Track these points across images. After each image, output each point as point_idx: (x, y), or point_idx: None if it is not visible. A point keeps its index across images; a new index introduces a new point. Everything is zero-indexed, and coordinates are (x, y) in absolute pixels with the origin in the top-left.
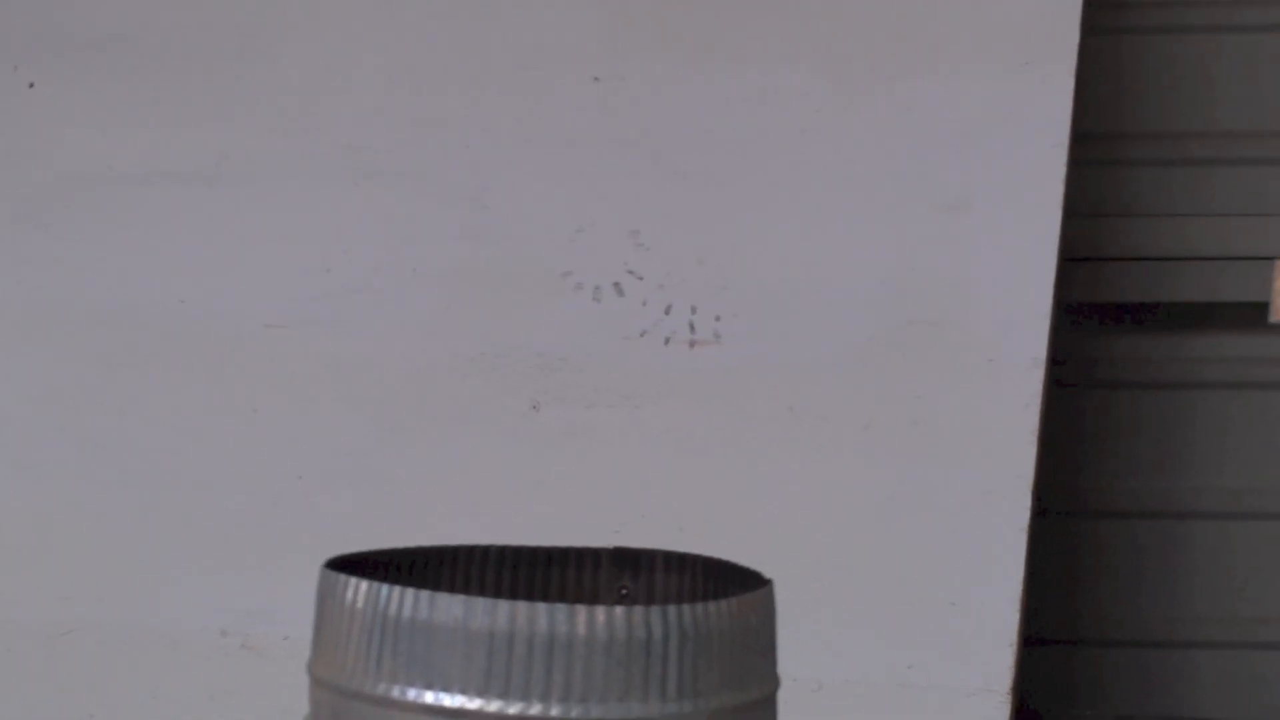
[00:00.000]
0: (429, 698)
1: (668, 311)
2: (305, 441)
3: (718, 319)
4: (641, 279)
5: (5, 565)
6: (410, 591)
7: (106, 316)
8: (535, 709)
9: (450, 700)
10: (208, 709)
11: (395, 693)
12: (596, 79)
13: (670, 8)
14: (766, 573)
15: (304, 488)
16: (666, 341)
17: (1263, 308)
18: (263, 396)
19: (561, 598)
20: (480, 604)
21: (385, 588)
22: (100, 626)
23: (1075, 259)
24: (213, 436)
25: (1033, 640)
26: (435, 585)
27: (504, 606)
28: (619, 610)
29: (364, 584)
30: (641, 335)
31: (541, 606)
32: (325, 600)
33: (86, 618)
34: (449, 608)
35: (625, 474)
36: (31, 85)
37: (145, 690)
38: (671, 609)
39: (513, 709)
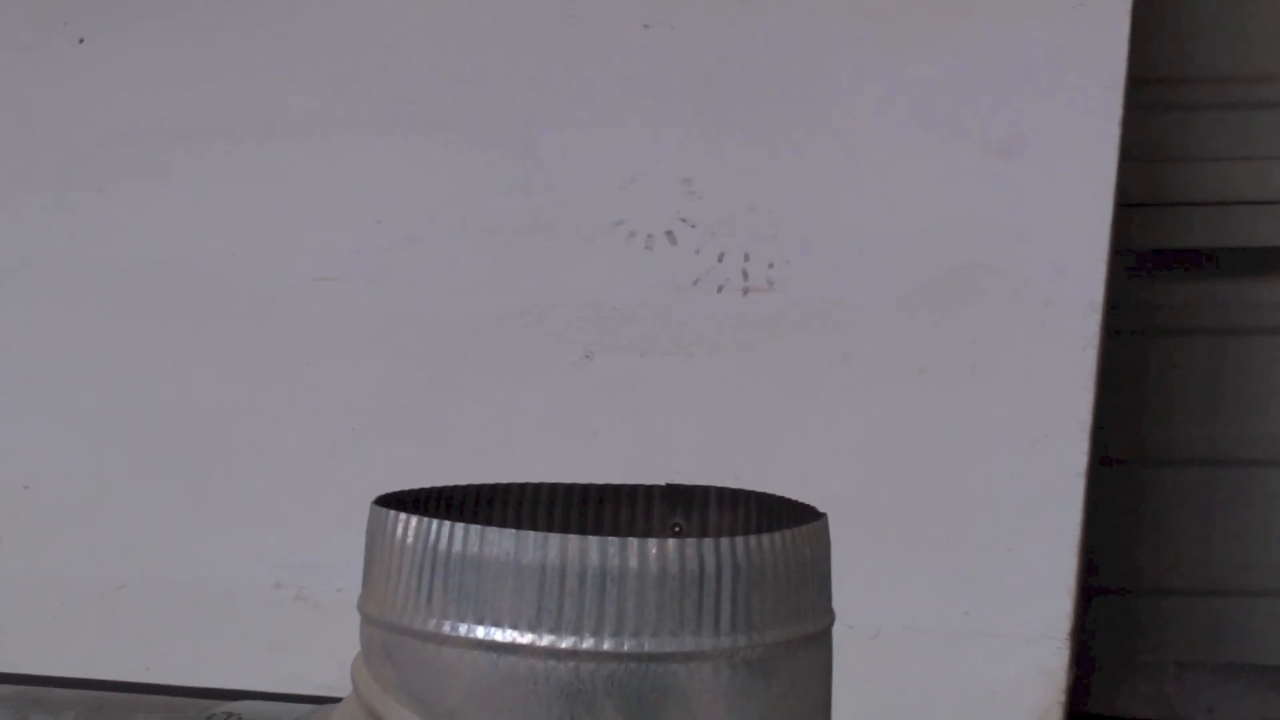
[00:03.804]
0: (480, 632)
1: (720, 259)
2: (357, 394)
3: (771, 266)
4: (694, 227)
5: (59, 522)
6: (460, 526)
7: (157, 272)
8: (587, 643)
9: (501, 635)
10: (262, 661)
11: (446, 628)
12: (646, 26)
13: None
14: None
15: (356, 440)
16: (719, 289)
17: None
18: (314, 349)
19: (614, 534)
20: (531, 538)
21: (435, 523)
22: (154, 581)
23: (1134, 204)
24: (264, 390)
25: (1093, 589)
26: (486, 522)
27: (555, 540)
28: (671, 543)
29: (413, 519)
30: (694, 283)
31: (593, 540)
32: (375, 537)
33: (140, 573)
34: (499, 542)
35: (679, 422)
36: (81, 40)
37: (199, 643)
38: (724, 541)
39: (564, 643)
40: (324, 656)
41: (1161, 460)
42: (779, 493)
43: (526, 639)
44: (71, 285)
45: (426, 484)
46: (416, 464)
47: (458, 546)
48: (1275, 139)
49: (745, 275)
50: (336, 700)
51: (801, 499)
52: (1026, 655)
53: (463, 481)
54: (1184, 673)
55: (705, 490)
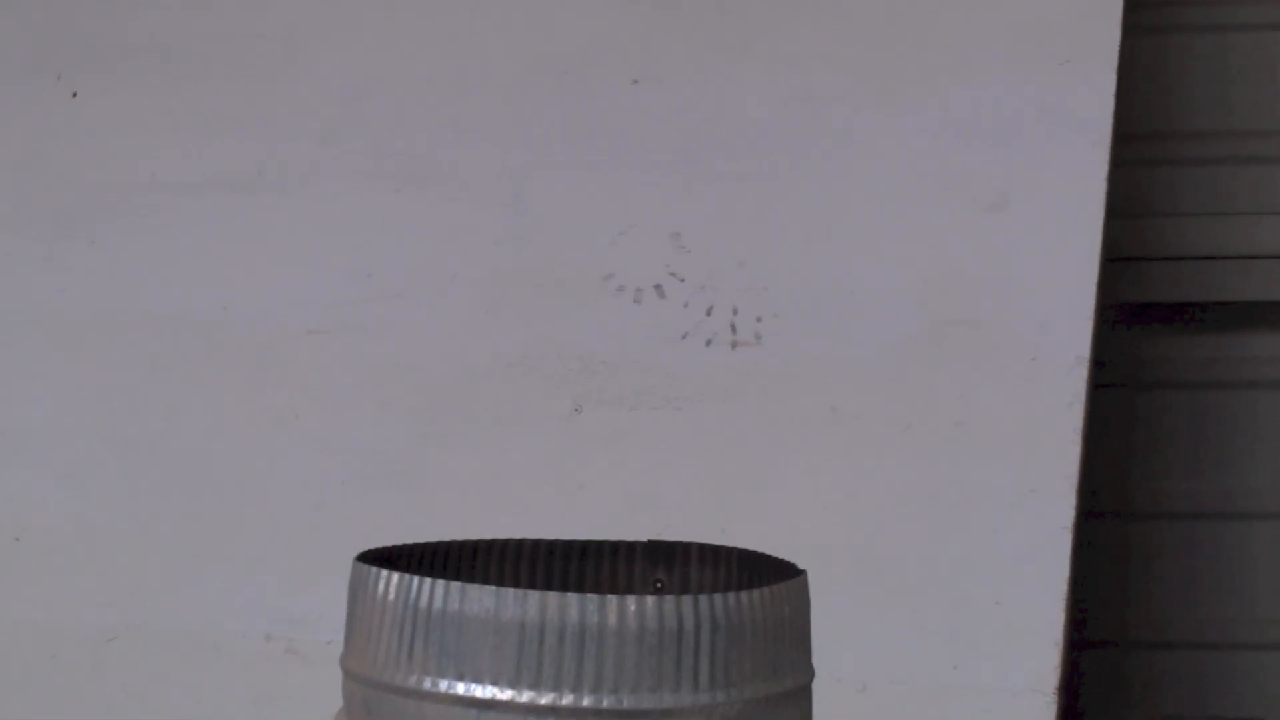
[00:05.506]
0: (460, 689)
1: (709, 313)
2: (348, 446)
3: (759, 320)
4: (683, 281)
5: (50, 571)
6: (441, 583)
7: (149, 323)
8: (567, 699)
9: (482, 691)
10: (252, 713)
11: (427, 684)
12: (636, 81)
13: (709, 10)
14: (809, 572)
15: (347, 492)
16: (708, 343)
17: None
18: (305, 401)
19: (596, 591)
20: (511, 595)
21: (416, 580)
22: (144, 632)
23: (1121, 259)
24: (255, 442)
25: (1081, 642)
26: (468, 578)
27: (534, 597)
28: (650, 600)
29: (395, 576)
30: (683, 337)
31: (572, 597)
32: (357, 593)
33: (131, 623)
34: (480, 599)
35: (668, 476)
36: (75, 95)
37: (189, 695)
38: (703, 599)
39: (544, 699)
40: (314, 709)
41: (1151, 514)
42: (766, 547)
43: (506, 695)
44: (62, 337)
45: (417, 536)
46: (407, 516)
47: (438, 603)
48: (1260, 194)
49: (734, 329)
50: None
51: (789, 553)
52: (1015, 709)
53: (451, 534)
54: None
55: (687, 546)
